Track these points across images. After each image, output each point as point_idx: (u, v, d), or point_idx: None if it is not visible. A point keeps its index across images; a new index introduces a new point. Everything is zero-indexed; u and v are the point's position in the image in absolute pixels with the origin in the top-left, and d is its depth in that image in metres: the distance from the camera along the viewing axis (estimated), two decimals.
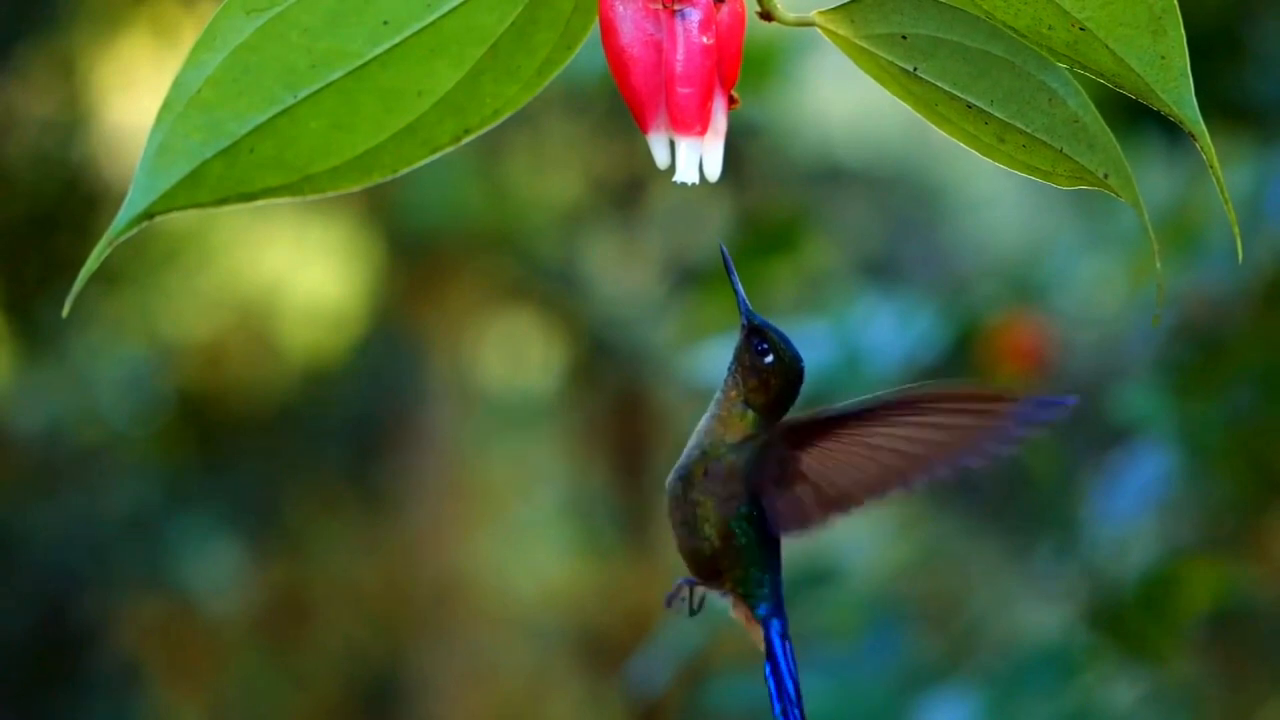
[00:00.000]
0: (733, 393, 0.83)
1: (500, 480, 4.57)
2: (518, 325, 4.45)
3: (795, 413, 0.84)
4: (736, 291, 0.84)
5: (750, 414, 0.83)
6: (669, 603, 0.85)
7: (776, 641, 0.83)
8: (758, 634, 0.84)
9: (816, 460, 0.83)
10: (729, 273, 0.85)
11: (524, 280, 4.26)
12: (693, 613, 0.85)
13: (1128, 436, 2.03)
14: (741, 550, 0.83)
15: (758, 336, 0.83)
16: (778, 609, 0.84)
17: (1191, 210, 1.98)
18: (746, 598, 0.83)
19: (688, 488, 0.83)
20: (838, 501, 0.83)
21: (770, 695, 0.83)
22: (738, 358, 0.83)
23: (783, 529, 0.83)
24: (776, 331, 0.83)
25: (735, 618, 0.85)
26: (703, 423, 0.84)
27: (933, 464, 0.83)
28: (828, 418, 0.82)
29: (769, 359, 0.83)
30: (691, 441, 0.84)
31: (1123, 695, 1.93)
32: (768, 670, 0.83)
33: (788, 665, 0.83)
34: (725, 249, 0.85)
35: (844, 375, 1.83)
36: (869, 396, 0.83)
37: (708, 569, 0.84)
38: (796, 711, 0.83)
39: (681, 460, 0.84)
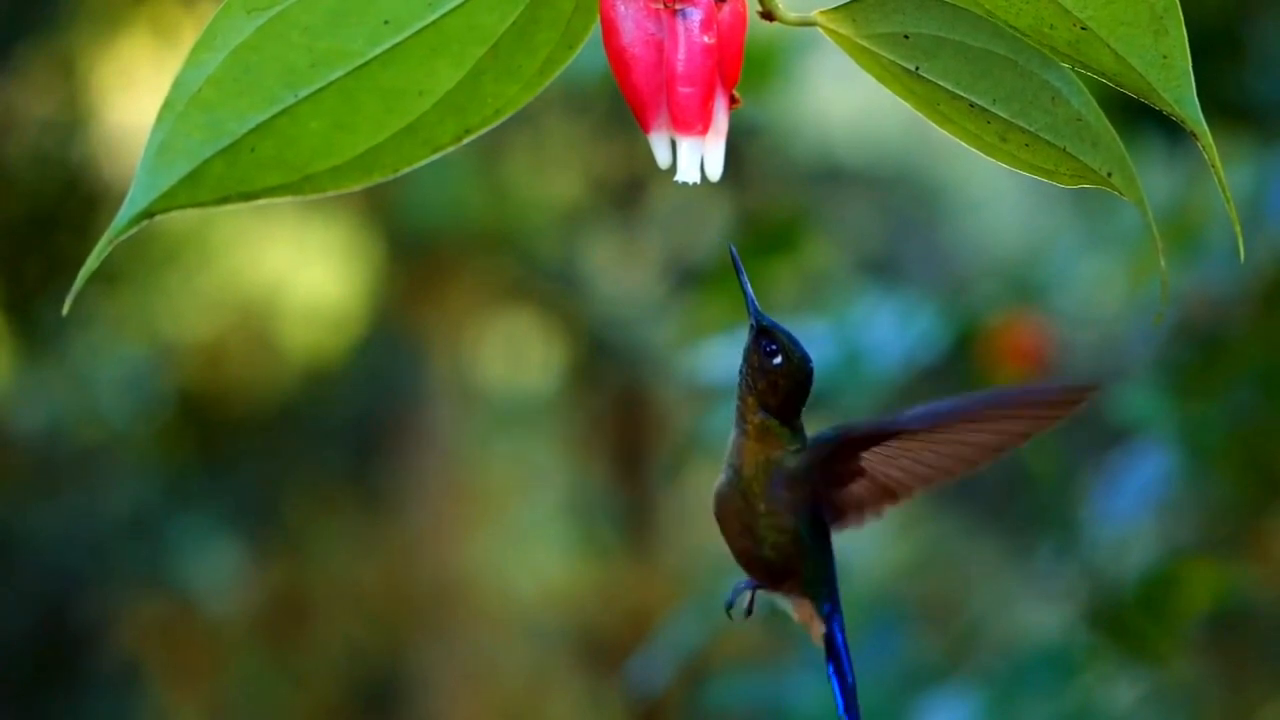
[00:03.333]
0: (749, 398, 0.83)
1: (500, 480, 4.57)
2: (518, 325, 4.45)
3: (811, 413, 0.85)
4: (745, 292, 0.84)
5: (774, 420, 0.83)
6: (729, 608, 0.86)
7: (840, 639, 0.85)
8: (819, 631, 0.85)
9: (875, 461, 0.84)
10: (738, 273, 0.85)
11: (524, 280, 4.26)
12: (748, 615, 0.86)
13: (1128, 436, 2.03)
14: (808, 552, 0.84)
15: (766, 337, 0.83)
16: (838, 606, 0.85)
17: (1192, 210, 1.98)
18: (813, 598, 0.85)
19: (749, 498, 0.84)
20: (892, 493, 0.85)
21: (835, 694, 0.85)
22: (747, 359, 0.84)
23: (837, 524, 0.85)
24: (784, 332, 0.84)
25: (798, 619, 0.86)
26: (736, 436, 0.84)
27: (987, 457, 0.85)
28: (892, 427, 0.84)
29: (777, 360, 0.83)
30: (734, 456, 0.84)
31: (1123, 695, 1.93)
32: (831, 670, 0.85)
33: (849, 663, 0.85)
34: (734, 249, 0.85)
35: (844, 374, 1.83)
36: (935, 407, 0.84)
37: (776, 573, 0.85)
38: (856, 712, 0.84)
39: (729, 474, 0.84)
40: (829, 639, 0.85)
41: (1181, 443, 1.93)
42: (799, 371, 0.83)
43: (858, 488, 0.84)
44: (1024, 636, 2.16)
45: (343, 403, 4.30)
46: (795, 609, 0.85)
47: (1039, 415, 0.85)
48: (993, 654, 2.13)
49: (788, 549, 0.84)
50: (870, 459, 0.84)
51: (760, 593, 0.86)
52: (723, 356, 1.91)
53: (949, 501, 3.80)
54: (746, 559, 0.85)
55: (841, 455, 0.84)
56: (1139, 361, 2.13)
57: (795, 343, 0.83)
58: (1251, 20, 2.02)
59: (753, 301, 0.84)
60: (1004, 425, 0.85)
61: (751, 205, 3.15)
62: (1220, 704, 2.32)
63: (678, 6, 0.73)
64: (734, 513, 0.84)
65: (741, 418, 0.84)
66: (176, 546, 3.89)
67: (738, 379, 0.84)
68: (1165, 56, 0.73)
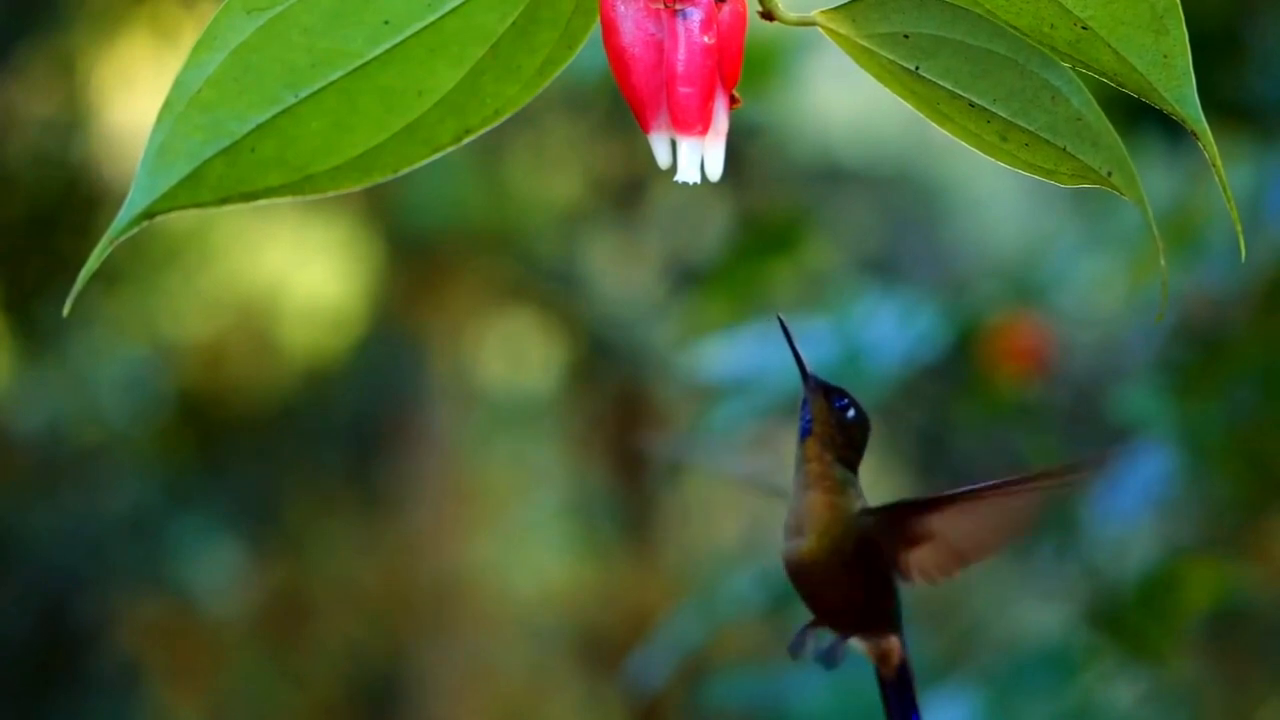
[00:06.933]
0: (827, 455, 0.85)
1: (500, 480, 4.57)
2: (518, 325, 4.45)
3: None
4: (798, 359, 0.86)
5: (845, 471, 0.85)
6: (797, 652, 0.88)
7: (913, 678, 0.87)
8: (894, 661, 0.87)
9: (942, 524, 0.87)
10: (789, 340, 0.86)
11: (524, 280, 4.26)
12: (831, 666, 0.87)
13: (1128, 436, 2.03)
14: (896, 594, 0.87)
15: (837, 395, 0.85)
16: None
17: (1192, 210, 1.98)
18: (899, 632, 0.87)
19: (850, 544, 0.85)
20: (957, 560, 0.88)
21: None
22: (819, 419, 0.85)
23: (909, 580, 0.88)
24: (842, 388, 0.86)
25: (874, 654, 0.87)
26: (812, 496, 0.85)
27: (1026, 528, 0.89)
28: (952, 495, 0.87)
29: (852, 413, 0.85)
30: (815, 514, 0.85)
31: (1123, 695, 1.93)
32: (893, 699, 0.87)
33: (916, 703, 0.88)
34: (782, 319, 0.87)
35: (846, 373, 1.83)
36: (977, 485, 0.87)
37: (870, 618, 0.87)
38: None
39: (814, 534, 0.85)
40: (906, 676, 0.87)
41: (1181, 443, 1.93)
42: (868, 423, 0.86)
43: (928, 550, 0.87)
44: (1024, 636, 2.16)
45: (343, 403, 4.30)
46: (875, 646, 0.87)
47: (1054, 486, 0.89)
48: (993, 654, 2.13)
49: (885, 589, 0.86)
50: (938, 525, 0.86)
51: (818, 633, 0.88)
52: (722, 356, 1.91)
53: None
54: (840, 608, 0.86)
55: (913, 518, 0.86)
56: (1139, 361, 2.13)
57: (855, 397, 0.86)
58: (1251, 20, 2.02)
59: (805, 365, 0.86)
60: (1026, 496, 0.88)
61: (751, 205, 3.15)
62: (1220, 704, 2.32)
63: (678, 6, 0.73)
64: (831, 566, 0.85)
65: (819, 476, 0.85)
66: (176, 546, 3.89)
67: (802, 440, 0.85)
68: (1166, 56, 0.73)
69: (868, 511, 0.85)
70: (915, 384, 1.98)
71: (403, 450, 4.28)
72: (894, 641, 0.86)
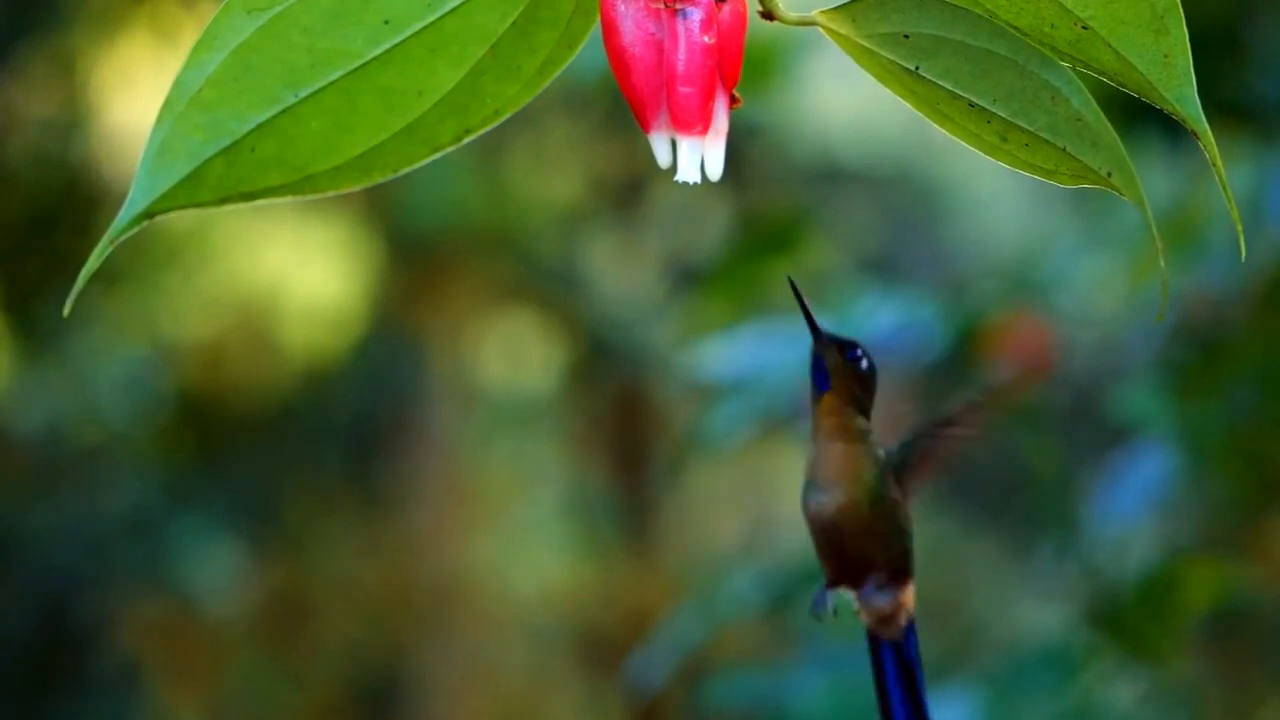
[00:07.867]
0: (848, 408, 0.85)
1: (500, 480, 4.57)
2: (518, 325, 4.45)
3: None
4: (807, 315, 0.86)
5: (863, 420, 0.85)
6: (817, 611, 0.88)
7: (918, 649, 0.90)
8: (904, 618, 0.88)
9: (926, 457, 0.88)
10: (799, 299, 0.86)
11: (524, 280, 4.26)
12: (820, 618, 0.88)
13: (1128, 436, 2.03)
14: (911, 535, 0.88)
15: (849, 347, 0.86)
16: None
17: (1192, 210, 1.98)
18: (912, 579, 0.87)
19: (884, 495, 0.86)
20: (924, 486, 0.89)
21: (895, 685, 0.91)
22: (836, 373, 0.85)
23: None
24: (853, 339, 0.86)
25: (885, 612, 0.88)
26: (840, 449, 0.85)
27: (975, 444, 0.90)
28: (936, 424, 0.88)
29: (864, 364, 0.85)
30: (842, 467, 0.85)
31: (1123, 695, 1.93)
32: (889, 657, 0.90)
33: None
34: (793, 280, 0.87)
35: None
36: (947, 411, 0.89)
37: (896, 566, 0.87)
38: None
39: (846, 488, 0.85)
40: (910, 630, 0.89)
41: (1181, 443, 1.93)
42: (876, 370, 0.86)
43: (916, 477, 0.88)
44: (1024, 636, 2.16)
45: (343, 403, 4.30)
46: (890, 599, 0.87)
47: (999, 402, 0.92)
48: (993, 654, 2.13)
49: (907, 539, 0.87)
50: (926, 460, 0.88)
51: (836, 592, 0.88)
52: (722, 356, 1.91)
53: (949, 501, 3.81)
54: (867, 561, 0.86)
55: (918, 457, 0.87)
56: (1139, 361, 2.12)
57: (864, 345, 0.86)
58: (1251, 20, 2.02)
59: (815, 321, 0.86)
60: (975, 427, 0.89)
61: (751, 205, 3.16)
62: (1220, 704, 2.32)
63: (678, 6, 0.73)
64: (864, 517, 0.85)
65: (841, 429, 0.85)
66: (176, 546, 3.89)
67: (818, 395, 0.85)
68: (1166, 55, 0.73)
69: (888, 454, 0.86)
70: (916, 383, 1.97)
71: (403, 450, 4.29)
72: (910, 592, 0.87)
